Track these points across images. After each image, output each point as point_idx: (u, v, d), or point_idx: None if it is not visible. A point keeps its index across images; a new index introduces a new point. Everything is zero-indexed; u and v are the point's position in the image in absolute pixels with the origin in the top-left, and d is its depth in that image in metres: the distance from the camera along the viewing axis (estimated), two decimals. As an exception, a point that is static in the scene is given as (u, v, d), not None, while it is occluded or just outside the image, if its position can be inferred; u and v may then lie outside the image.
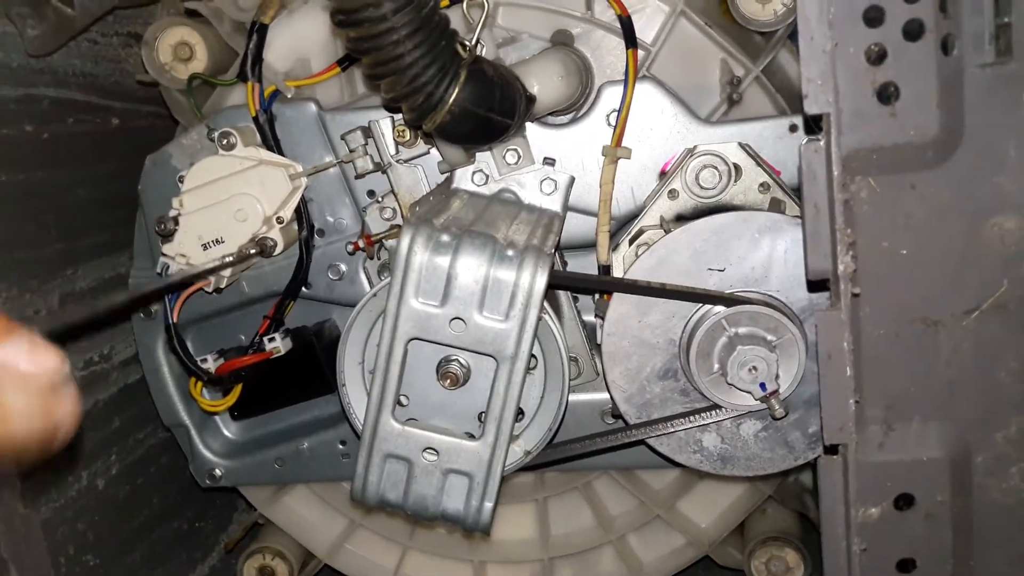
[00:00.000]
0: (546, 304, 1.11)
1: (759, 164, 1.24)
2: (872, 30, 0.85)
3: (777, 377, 1.09)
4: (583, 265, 1.38)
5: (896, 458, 0.92)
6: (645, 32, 1.33)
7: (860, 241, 0.87)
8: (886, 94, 0.86)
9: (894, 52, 0.85)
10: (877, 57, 0.85)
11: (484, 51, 1.24)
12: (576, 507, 1.57)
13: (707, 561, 1.60)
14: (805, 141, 0.89)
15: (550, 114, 1.31)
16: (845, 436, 0.91)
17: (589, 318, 1.37)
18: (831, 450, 0.93)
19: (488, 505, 1.12)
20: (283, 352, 1.37)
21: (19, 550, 1.20)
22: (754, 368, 1.08)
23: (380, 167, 1.32)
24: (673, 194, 1.26)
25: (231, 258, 1.28)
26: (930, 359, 0.90)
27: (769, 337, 1.10)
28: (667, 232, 1.18)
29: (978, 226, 0.87)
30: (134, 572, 1.53)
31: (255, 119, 1.32)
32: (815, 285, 1.03)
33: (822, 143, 0.86)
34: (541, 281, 1.04)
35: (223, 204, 1.29)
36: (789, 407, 1.13)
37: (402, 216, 1.33)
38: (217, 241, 1.30)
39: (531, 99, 1.19)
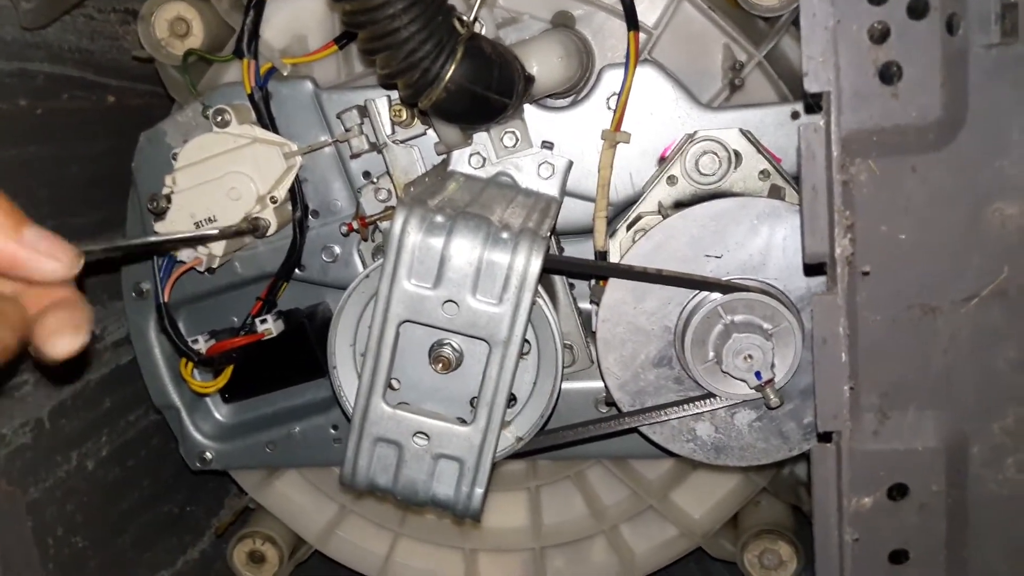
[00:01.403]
0: (541, 289, 1.09)
1: (760, 151, 1.22)
2: (875, 7, 0.83)
3: (773, 366, 1.07)
4: (580, 251, 1.36)
5: (890, 447, 0.90)
6: (647, 15, 1.31)
7: (859, 224, 0.86)
8: (888, 74, 0.84)
9: (897, 30, 0.83)
10: (880, 35, 0.83)
11: (484, 31, 1.22)
12: (568, 496, 1.56)
13: (700, 553, 1.59)
14: (805, 121, 0.88)
15: (549, 97, 1.29)
16: (839, 423, 0.89)
17: (585, 305, 1.36)
18: (824, 438, 0.92)
19: (479, 491, 1.10)
20: (275, 334, 1.36)
21: (2, 529, 1.19)
22: (749, 356, 1.07)
23: (376, 147, 1.31)
24: (672, 180, 1.24)
25: (219, 229, 1.26)
26: (927, 346, 0.89)
27: (765, 325, 1.08)
28: (665, 218, 1.16)
29: (979, 211, 0.85)
30: (123, 555, 1.52)
31: (250, 96, 1.30)
32: (812, 269, 1.02)
33: (822, 123, 0.84)
34: (536, 264, 1.03)
35: (216, 182, 1.27)
36: (784, 397, 1.12)
37: (397, 197, 1.32)
38: (210, 220, 1.28)
39: (530, 79, 1.18)
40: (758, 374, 1.07)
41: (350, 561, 1.64)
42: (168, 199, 1.28)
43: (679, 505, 1.54)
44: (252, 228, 1.29)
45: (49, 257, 0.72)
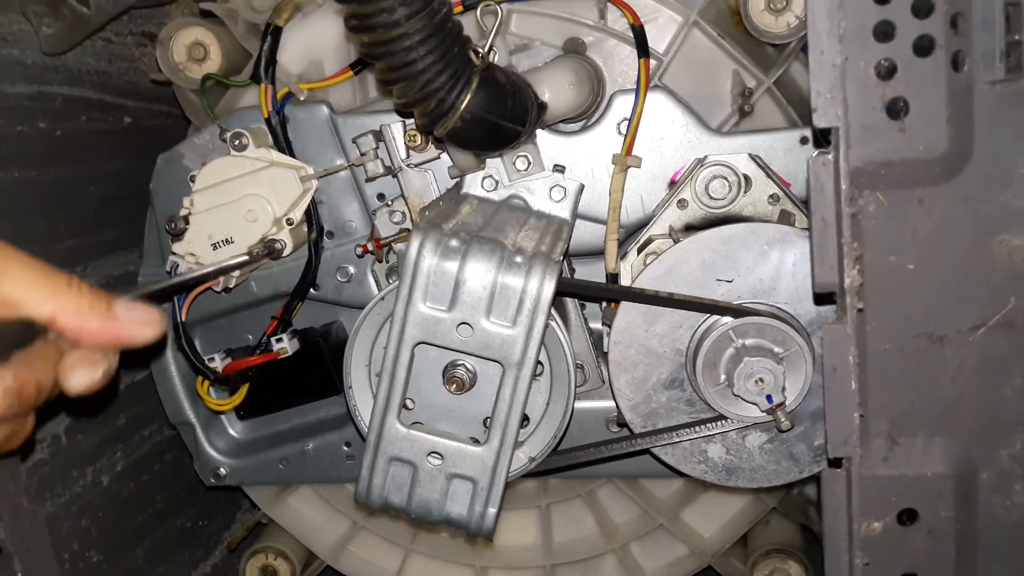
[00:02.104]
0: (553, 311, 1.11)
1: (769, 176, 1.24)
2: (882, 45, 0.85)
3: (784, 389, 1.09)
4: (590, 272, 1.38)
5: (900, 473, 0.92)
6: (657, 42, 1.33)
7: (867, 255, 0.87)
8: (895, 109, 0.85)
9: (904, 67, 0.85)
10: (887, 72, 0.85)
11: (496, 58, 1.24)
12: (579, 514, 1.57)
13: (709, 572, 1.60)
14: (814, 154, 0.90)
15: (561, 121, 1.31)
16: (849, 449, 0.91)
17: (595, 325, 1.37)
18: (835, 463, 0.93)
19: (492, 511, 1.12)
20: (290, 353, 1.38)
21: (24, 545, 1.21)
22: (761, 380, 1.08)
23: (390, 171, 1.33)
24: (682, 204, 1.26)
25: (241, 259, 1.28)
26: (935, 374, 0.90)
27: (776, 349, 1.10)
28: (676, 241, 1.18)
29: (986, 242, 0.87)
30: (137, 569, 1.54)
31: (267, 121, 1.32)
32: (822, 298, 1.03)
33: (830, 157, 0.86)
34: (549, 288, 1.05)
35: (234, 204, 1.30)
36: (795, 420, 1.13)
37: (411, 220, 1.34)
38: (227, 241, 1.30)
39: (542, 106, 1.20)
40: (769, 397, 1.08)
41: (362, 577, 1.65)
42: (186, 220, 1.31)
43: (689, 524, 1.55)
44: (268, 252, 1.31)
45: (144, 325, 0.80)
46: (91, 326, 0.77)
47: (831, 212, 0.86)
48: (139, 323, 0.80)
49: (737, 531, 1.55)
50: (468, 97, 1.07)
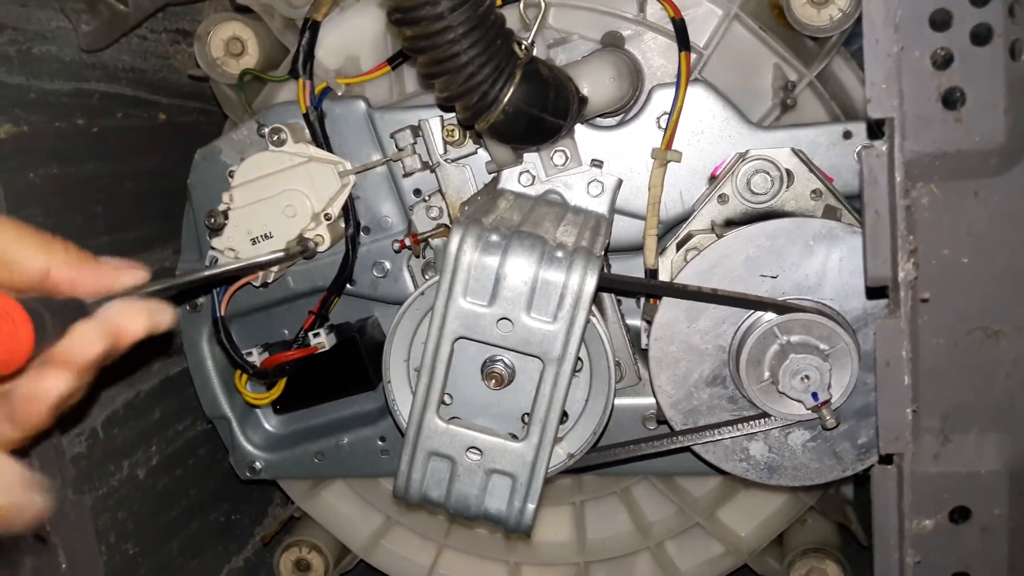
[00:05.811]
0: (593, 307, 1.10)
1: (812, 170, 1.22)
2: (939, 34, 0.83)
3: (829, 387, 1.07)
4: (627, 268, 1.37)
5: (952, 469, 0.90)
6: (697, 35, 1.32)
7: (921, 248, 0.86)
8: (951, 99, 0.84)
9: (961, 57, 0.83)
10: (943, 61, 0.84)
11: (535, 51, 1.23)
12: (614, 512, 1.56)
13: (745, 570, 1.59)
14: (861, 147, 0.88)
15: (599, 116, 1.30)
16: (901, 446, 0.89)
17: (632, 321, 1.36)
18: (886, 460, 0.92)
19: (530, 506, 1.11)
20: (327, 348, 1.38)
21: (68, 537, 1.21)
22: (806, 377, 1.06)
23: (428, 166, 1.32)
24: (723, 199, 1.25)
25: (280, 254, 1.28)
26: (990, 369, 0.89)
27: (822, 346, 1.08)
28: (718, 237, 1.17)
29: (1042, 235, 0.86)
30: (172, 562, 1.55)
31: (305, 116, 1.32)
32: (873, 292, 1.02)
33: (884, 148, 0.85)
34: (591, 283, 1.04)
35: (273, 199, 1.30)
36: (840, 417, 1.12)
37: (448, 215, 1.34)
38: (266, 236, 1.30)
39: (583, 100, 1.19)
40: (815, 395, 1.07)
41: (395, 571, 1.65)
42: (225, 215, 1.31)
43: (725, 523, 1.53)
44: (302, 250, 1.31)
45: (131, 271, 0.82)
46: (84, 275, 0.79)
47: (884, 204, 0.85)
48: (127, 269, 0.82)
49: (774, 530, 1.54)
50: (511, 90, 1.06)
